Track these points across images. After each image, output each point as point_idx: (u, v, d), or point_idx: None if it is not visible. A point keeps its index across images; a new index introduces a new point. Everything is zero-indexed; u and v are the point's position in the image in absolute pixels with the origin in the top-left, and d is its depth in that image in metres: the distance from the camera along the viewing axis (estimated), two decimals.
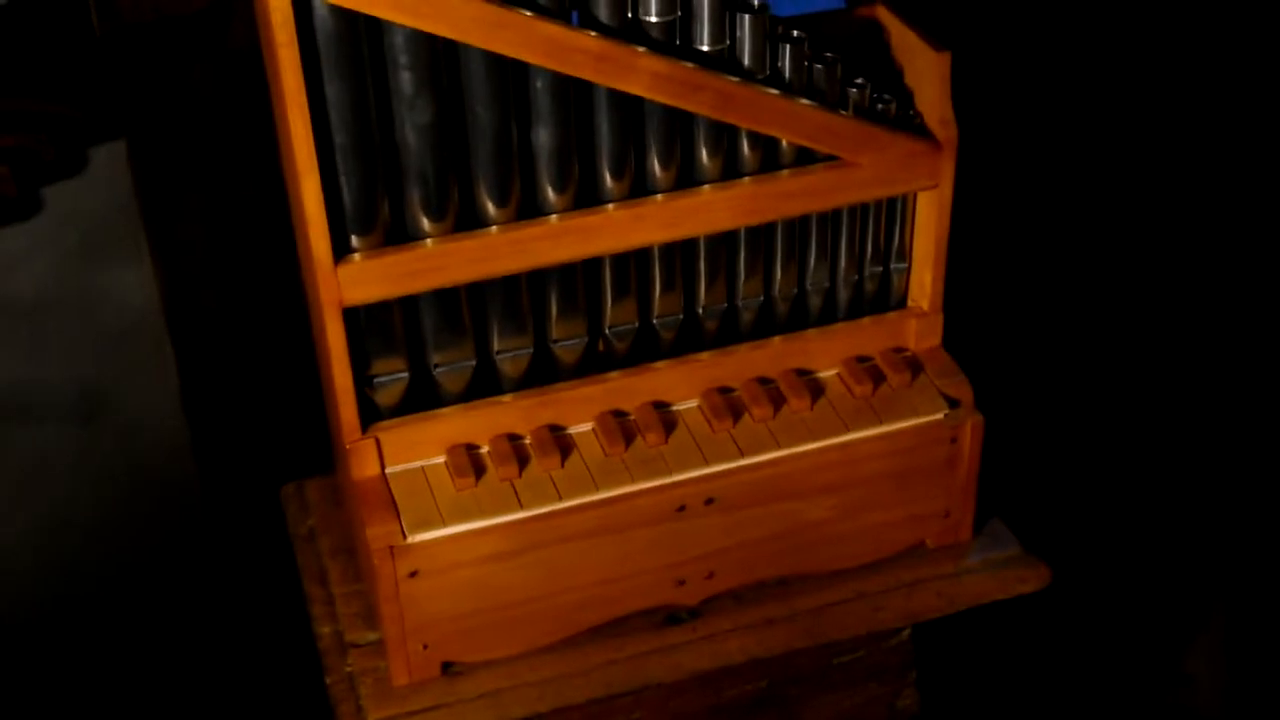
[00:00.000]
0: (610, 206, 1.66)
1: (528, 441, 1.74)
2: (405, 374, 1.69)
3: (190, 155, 2.18)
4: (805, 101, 1.67)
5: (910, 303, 1.85)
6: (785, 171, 1.70)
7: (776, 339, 1.80)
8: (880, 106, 1.72)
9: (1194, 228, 2.67)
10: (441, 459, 1.72)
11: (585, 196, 1.66)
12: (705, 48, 1.62)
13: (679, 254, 1.73)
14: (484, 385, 1.73)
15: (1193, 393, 2.72)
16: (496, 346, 1.71)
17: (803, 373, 1.82)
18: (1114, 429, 2.71)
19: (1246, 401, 2.70)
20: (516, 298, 1.69)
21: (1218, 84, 2.58)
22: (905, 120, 1.75)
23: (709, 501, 1.75)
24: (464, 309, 1.67)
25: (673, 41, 1.61)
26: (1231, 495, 2.67)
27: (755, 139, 1.68)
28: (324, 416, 1.85)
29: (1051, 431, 2.66)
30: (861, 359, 1.83)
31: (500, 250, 1.63)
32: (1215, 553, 2.64)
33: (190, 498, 2.30)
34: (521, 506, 1.69)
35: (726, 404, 1.77)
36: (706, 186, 1.68)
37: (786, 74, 1.67)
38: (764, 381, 1.80)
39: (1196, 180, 2.64)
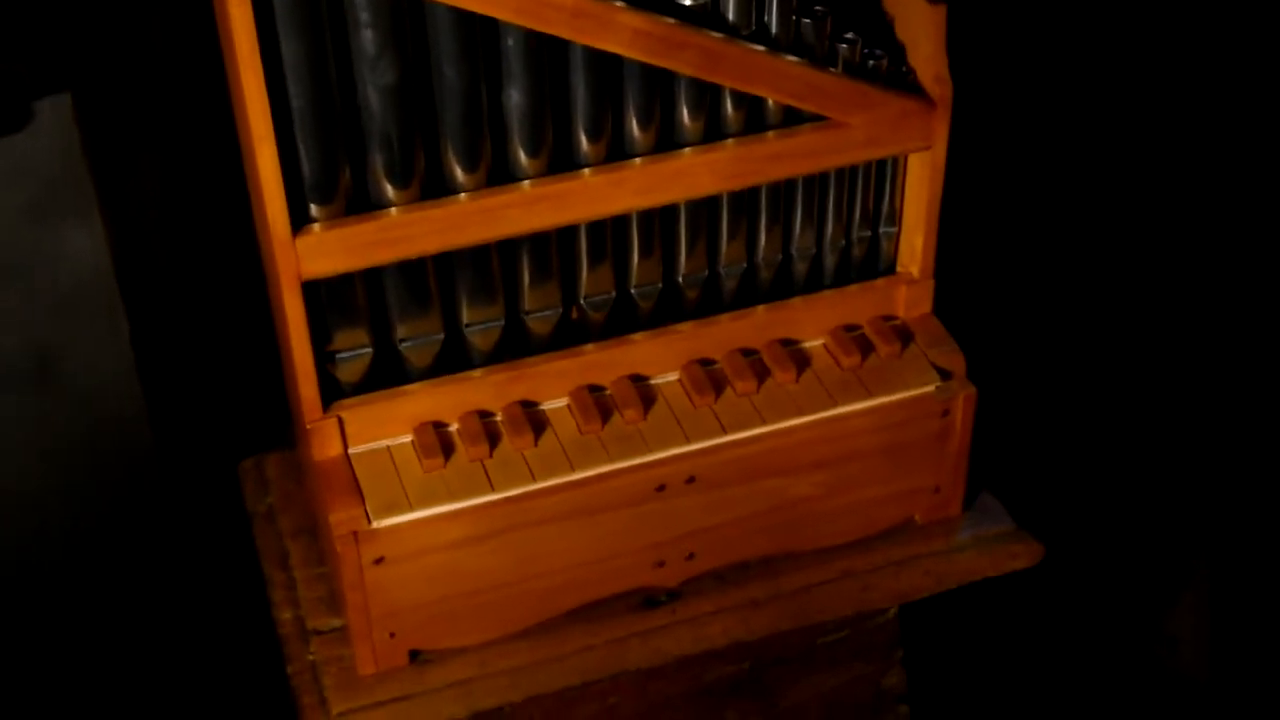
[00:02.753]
0: (586, 171, 1.60)
1: (499, 419, 1.68)
2: (369, 349, 1.63)
3: (142, 107, 2.10)
4: (792, 59, 1.60)
5: (900, 269, 1.80)
6: (771, 133, 1.65)
7: (760, 308, 1.75)
8: (871, 63, 1.65)
9: (1198, 194, 2.63)
10: (408, 438, 1.66)
11: (560, 161, 1.60)
12: (688, 2, 1.55)
13: (658, 219, 1.67)
14: (452, 360, 1.68)
15: (1179, 357, 2.70)
16: (465, 319, 1.65)
17: (788, 343, 1.77)
18: (1101, 397, 2.69)
19: (1232, 365, 2.68)
20: (486, 267, 1.63)
21: (1229, 45, 2.53)
22: (898, 77, 1.68)
23: (690, 480, 1.70)
24: (431, 280, 1.61)
25: None
26: (1214, 456, 2.65)
27: (740, 99, 1.62)
28: (283, 387, 1.79)
29: (1039, 400, 2.63)
30: (849, 328, 1.78)
31: (469, 219, 1.57)
32: (1197, 512, 2.63)
33: (146, 470, 2.24)
34: (493, 488, 1.63)
35: (708, 377, 1.72)
36: (688, 149, 1.62)
37: (773, 29, 1.60)
38: (747, 353, 1.75)
39: (1202, 143, 2.59)
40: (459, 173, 1.56)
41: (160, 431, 2.25)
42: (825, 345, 1.78)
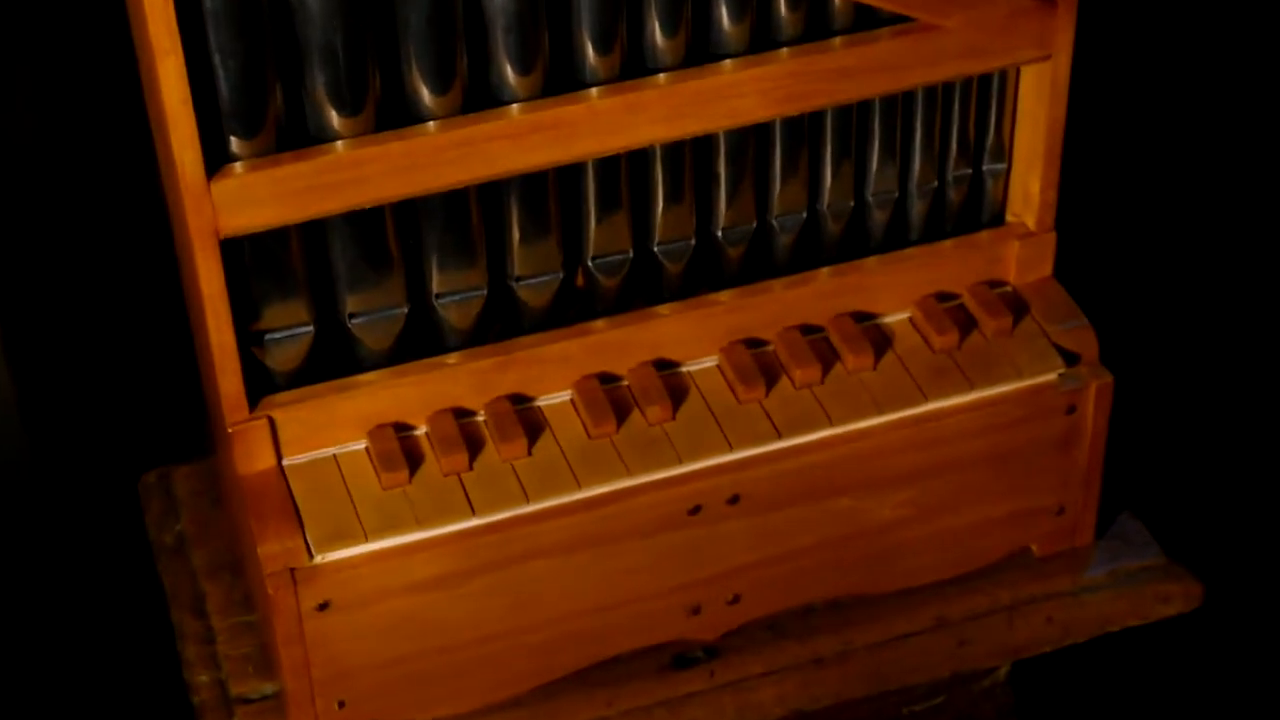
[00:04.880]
0: (594, 92, 1.60)
1: (481, 419, 1.69)
2: (309, 328, 1.64)
3: (12, 20, 2.12)
4: None
5: (1010, 218, 1.81)
6: (838, 40, 1.65)
7: (824, 272, 1.76)
8: None
9: None
10: (361, 445, 1.68)
11: (559, 78, 1.60)
12: None
13: (689, 155, 1.68)
14: (419, 342, 1.69)
15: None
16: (436, 288, 1.67)
17: (862, 318, 1.78)
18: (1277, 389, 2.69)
19: None
20: (464, 220, 1.64)
21: None
22: None
23: (733, 500, 1.71)
24: (390, 237, 1.62)
25: None
26: None
27: None
28: (198, 380, 1.80)
29: (1198, 397, 2.63)
30: (943, 297, 1.79)
31: (440, 156, 1.57)
32: None
33: (17, 485, 2.26)
34: (473, 511, 1.65)
35: (756, 364, 1.73)
36: (729, 62, 1.63)
37: None
38: (808, 331, 1.76)
39: None
40: (426, 95, 1.57)
41: (36, 434, 2.27)
42: (912, 320, 1.79)
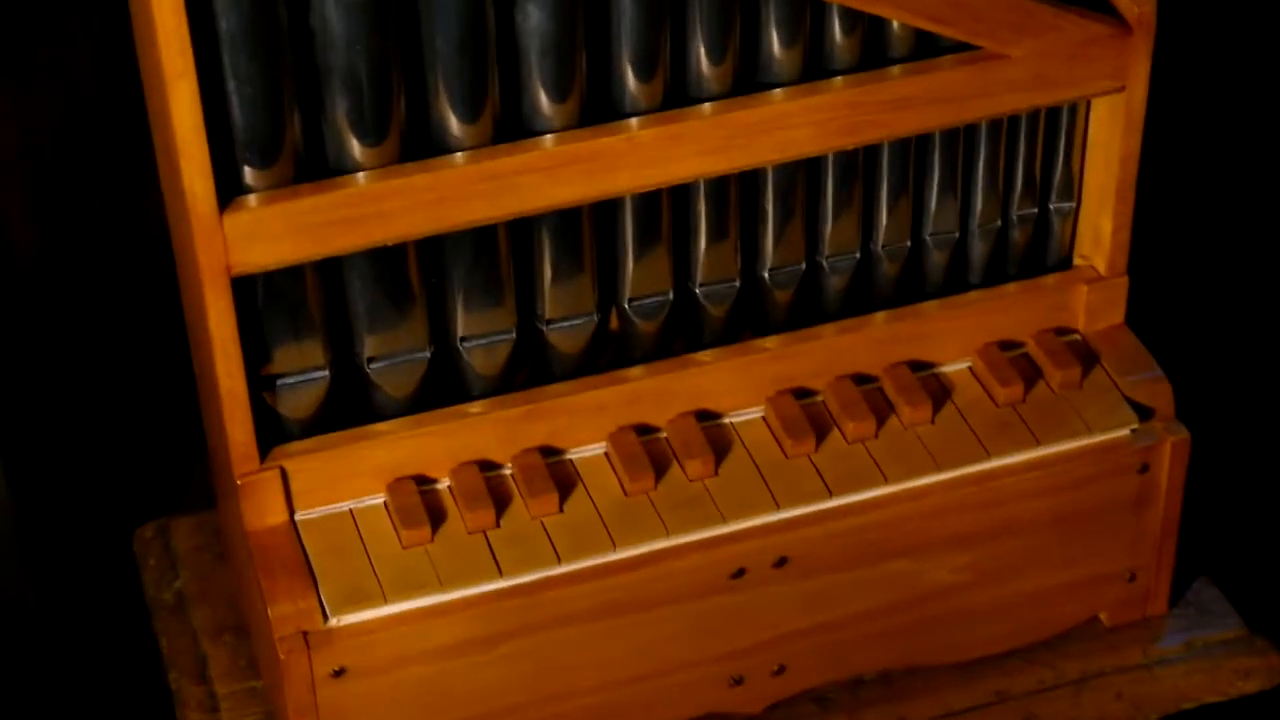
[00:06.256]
0: (634, 122, 1.61)
1: (509, 473, 1.70)
2: (325, 372, 1.65)
3: None
4: None
5: (1079, 261, 1.82)
6: (896, 69, 1.66)
7: (879, 317, 1.77)
8: None
9: None
10: (380, 499, 1.68)
11: (596, 107, 1.61)
12: None
13: (735, 191, 1.69)
14: (443, 388, 1.69)
15: None
16: (462, 331, 1.67)
17: (919, 367, 1.78)
18: None
19: None
20: (492, 258, 1.64)
21: None
22: None
23: (780, 562, 1.71)
24: (413, 275, 1.63)
25: None
26: None
27: (852, 19, 1.63)
28: (200, 426, 1.80)
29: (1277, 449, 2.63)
30: (1007, 345, 1.80)
31: (469, 188, 1.58)
32: None
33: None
34: (500, 572, 1.65)
35: (805, 416, 1.73)
36: (779, 91, 1.64)
37: None
38: (861, 381, 1.76)
39: None
40: (454, 123, 1.57)
41: (19, 483, 2.26)
42: (972, 370, 1.79)
